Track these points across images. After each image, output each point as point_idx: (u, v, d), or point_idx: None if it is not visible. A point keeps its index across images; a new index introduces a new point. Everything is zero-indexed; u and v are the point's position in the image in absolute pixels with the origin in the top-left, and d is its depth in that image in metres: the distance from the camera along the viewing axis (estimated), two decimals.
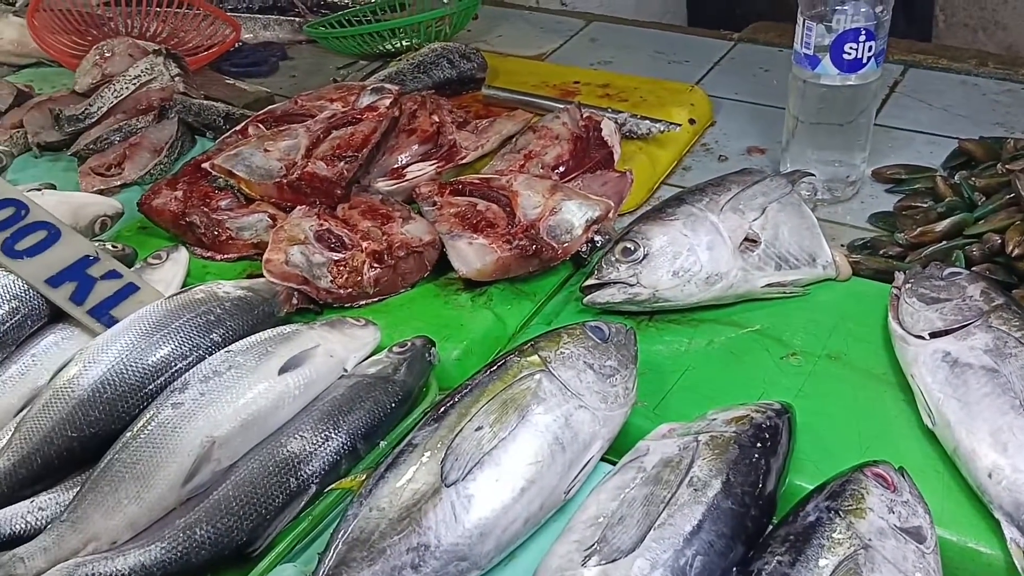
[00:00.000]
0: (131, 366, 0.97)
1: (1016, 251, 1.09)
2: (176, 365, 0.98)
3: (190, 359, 0.99)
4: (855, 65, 1.25)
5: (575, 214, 1.21)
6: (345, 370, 1.01)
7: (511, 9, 2.09)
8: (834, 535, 0.74)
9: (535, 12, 2.08)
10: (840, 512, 0.76)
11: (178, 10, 1.89)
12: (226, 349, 0.98)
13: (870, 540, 0.74)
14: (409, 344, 1.04)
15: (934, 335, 0.97)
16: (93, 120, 1.54)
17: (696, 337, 1.11)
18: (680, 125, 1.49)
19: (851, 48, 1.23)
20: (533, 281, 1.22)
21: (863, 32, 1.22)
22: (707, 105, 1.61)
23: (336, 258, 1.16)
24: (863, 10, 1.22)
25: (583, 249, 1.22)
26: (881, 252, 1.22)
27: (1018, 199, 1.14)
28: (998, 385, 0.89)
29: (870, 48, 1.23)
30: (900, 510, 0.78)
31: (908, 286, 1.04)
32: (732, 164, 1.49)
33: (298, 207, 1.25)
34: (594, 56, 1.84)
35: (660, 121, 1.47)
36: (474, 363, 1.06)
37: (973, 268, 1.11)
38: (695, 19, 2.54)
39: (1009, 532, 0.82)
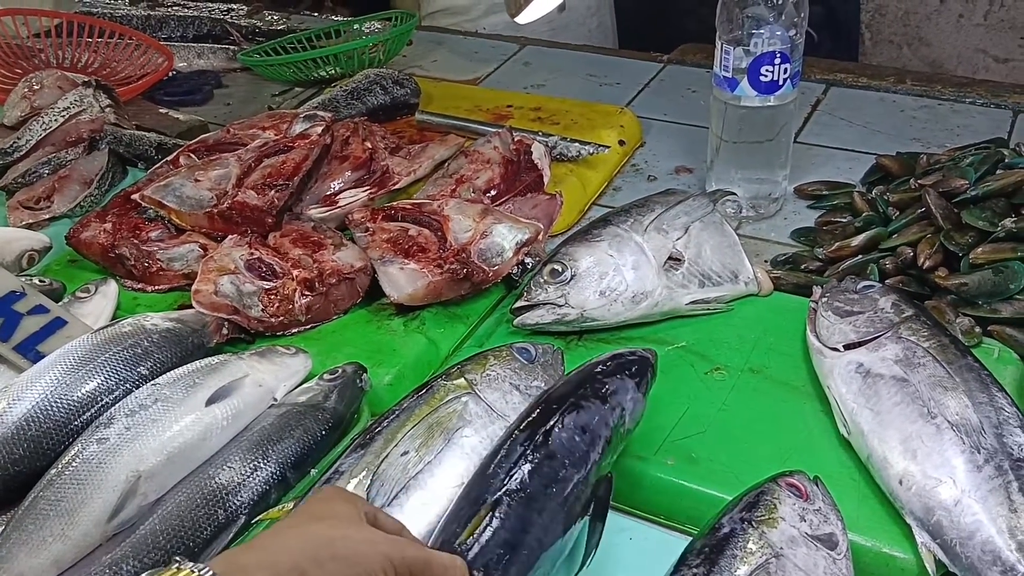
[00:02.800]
0: (56, 402, 0.96)
1: (927, 263, 1.14)
2: (102, 400, 0.98)
3: (116, 393, 0.99)
4: (772, 87, 1.29)
5: (505, 237, 1.23)
6: (275, 399, 1.01)
7: (446, 34, 2.11)
8: (747, 545, 0.76)
9: (469, 37, 2.10)
10: (753, 523, 0.78)
11: (109, 40, 1.88)
12: (153, 382, 0.98)
13: (781, 548, 0.76)
14: (340, 371, 1.05)
15: (848, 347, 1.00)
16: (21, 153, 1.52)
17: None
18: (609, 147, 1.52)
19: (767, 71, 1.27)
20: (466, 304, 1.23)
21: (778, 55, 1.26)
22: (637, 126, 1.65)
23: (267, 287, 1.17)
24: (778, 34, 1.26)
25: (514, 271, 1.24)
26: (802, 267, 1.25)
27: (929, 213, 1.18)
28: (907, 394, 0.92)
29: (785, 70, 1.28)
30: (812, 518, 0.81)
31: (824, 300, 1.07)
32: (661, 184, 1.52)
33: (229, 237, 1.26)
34: (527, 80, 1.87)
35: (589, 143, 1.50)
36: (407, 388, 1.06)
37: (887, 281, 1.15)
38: (625, 43, 2.58)
39: (920, 536, 0.85)
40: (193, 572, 0.62)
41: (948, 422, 0.88)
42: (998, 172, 1.20)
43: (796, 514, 0.80)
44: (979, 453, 0.85)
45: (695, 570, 0.75)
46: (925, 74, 1.77)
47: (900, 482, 0.87)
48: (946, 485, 0.84)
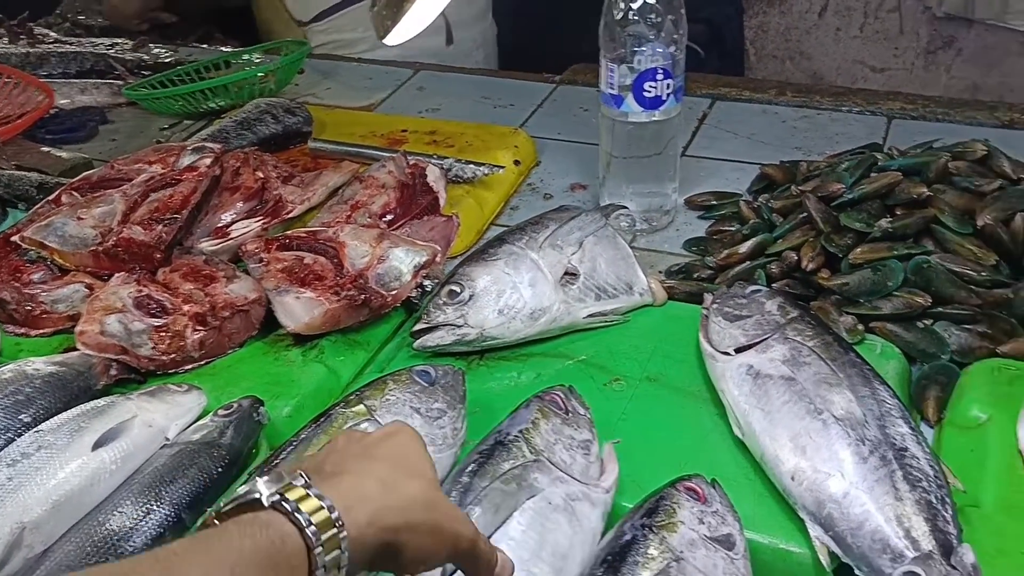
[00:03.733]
0: None
1: (810, 266, 1.18)
2: None
3: None
4: (656, 102, 1.32)
5: (402, 261, 1.23)
6: (167, 439, 0.98)
7: (339, 61, 2.10)
8: (648, 551, 0.78)
9: (363, 64, 2.10)
10: (653, 528, 0.80)
11: None
12: (36, 429, 0.94)
13: (682, 552, 0.78)
14: (235, 406, 1.02)
15: (739, 350, 1.03)
16: None
17: (525, 371, 1.14)
18: (504, 167, 1.53)
19: (651, 87, 1.30)
20: (366, 330, 1.22)
21: (660, 71, 1.30)
22: (531, 146, 1.67)
23: (157, 324, 1.14)
24: (659, 50, 1.29)
25: (413, 295, 1.23)
26: (694, 276, 1.28)
27: (810, 218, 1.23)
28: (795, 393, 0.95)
29: (668, 85, 1.31)
30: (710, 520, 0.82)
31: (715, 306, 1.10)
32: (557, 201, 1.54)
33: (116, 275, 1.22)
34: (422, 104, 1.87)
35: (484, 164, 1.52)
36: (307, 418, 1.04)
37: (774, 284, 1.19)
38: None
39: (813, 530, 0.87)
40: (310, 496, 0.60)
41: (834, 417, 0.91)
42: (872, 175, 1.25)
43: (695, 517, 0.82)
44: (864, 445, 0.88)
45: None
46: (805, 85, 1.85)
47: (792, 478, 0.90)
48: (835, 478, 0.87)
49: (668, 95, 1.32)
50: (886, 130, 1.66)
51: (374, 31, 1.56)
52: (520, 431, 0.89)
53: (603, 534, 0.85)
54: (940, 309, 1.12)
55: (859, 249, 1.16)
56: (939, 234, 1.17)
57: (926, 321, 1.13)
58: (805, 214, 1.24)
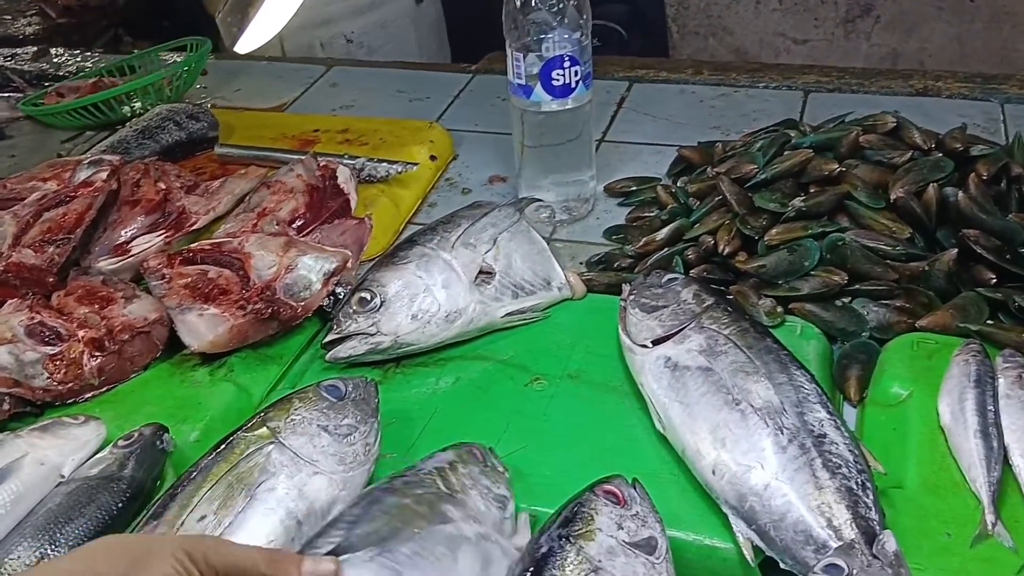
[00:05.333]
0: None
1: (727, 249, 1.16)
2: None
3: None
4: (565, 90, 1.29)
5: (312, 269, 1.18)
6: (63, 476, 0.93)
7: (248, 61, 2.03)
8: (564, 563, 0.75)
9: (274, 62, 2.04)
10: (571, 538, 0.77)
11: None
12: None
13: (600, 562, 0.75)
14: (136, 435, 0.97)
15: (656, 342, 1.00)
16: None
17: (444, 376, 1.11)
18: (418, 164, 1.49)
19: (559, 75, 1.27)
20: (277, 344, 1.17)
21: (567, 59, 1.27)
22: (447, 140, 1.63)
23: (51, 352, 1.07)
24: (565, 36, 1.26)
25: (326, 303, 1.19)
26: (615, 266, 1.26)
27: (725, 200, 1.21)
28: (713, 384, 0.93)
29: (576, 72, 1.28)
30: (629, 524, 0.80)
31: (632, 297, 1.07)
32: (476, 195, 1.50)
33: (8, 302, 1.15)
34: (335, 101, 1.82)
35: (397, 162, 1.47)
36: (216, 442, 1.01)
37: (692, 271, 1.17)
38: (458, 55, 2.56)
39: (736, 525, 0.85)
40: None
41: (752, 407, 0.89)
42: (785, 153, 1.24)
43: (613, 523, 0.79)
44: (783, 434, 0.87)
45: None
46: (721, 63, 1.84)
47: (713, 472, 0.88)
48: (755, 470, 0.85)
49: (577, 82, 1.29)
50: (803, 104, 1.66)
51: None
52: (436, 468, 0.85)
53: None
54: (858, 286, 1.11)
55: (774, 230, 1.15)
56: (853, 210, 1.16)
57: (844, 299, 1.12)
58: (720, 197, 1.22)
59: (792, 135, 1.29)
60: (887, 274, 1.11)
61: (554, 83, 1.28)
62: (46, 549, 0.85)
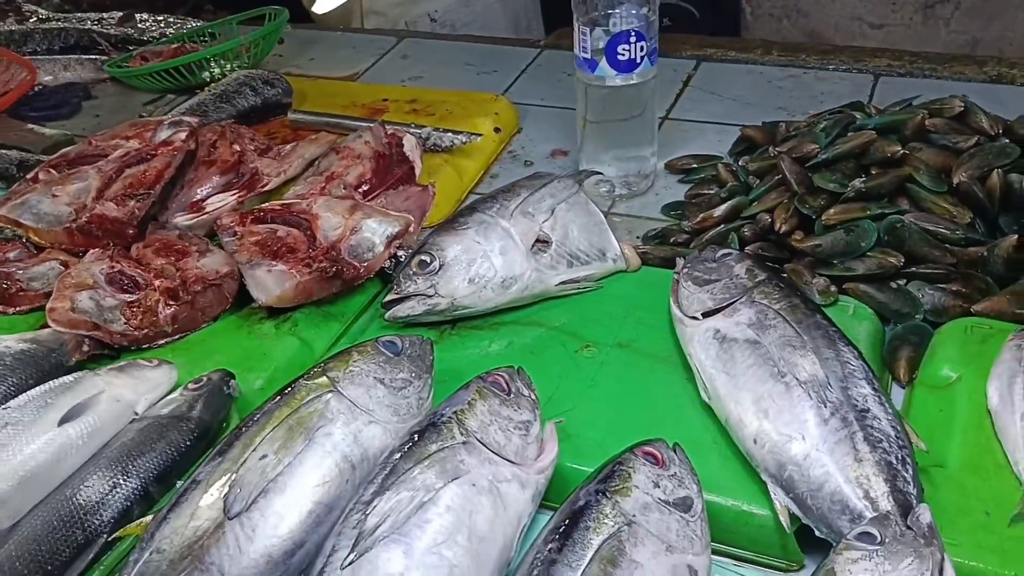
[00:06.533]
0: None
1: (783, 228, 1.17)
2: None
3: None
4: (630, 65, 1.30)
5: (375, 232, 1.23)
6: (136, 413, 0.99)
7: (322, 31, 2.08)
8: (600, 516, 0.77)
9: (347, 33, 2.08)
10: (607, 493, 0.80)
11: None
12: (3, 406, 0.95)
13: (634, 516, 0.78)
14: (205, 379, 1.03)
15: (706, 314, 1.02)
16: None
17: (497, 340, 1.14)
18: (482, 135, 1.52)
19: (624, 50, 1.29)
20: (340, 302, 1.22)
21: (633, 34, 1.28)
22: (512, 113, 1.65)
23: (129, 299, 1.14)
24: (632, 12, 1.27)
25: (387, 266, 1.23)
26: (671, 240, 1.27)
27: (784, 179, 1.21)
28: (759, 356, 0.94)
29: (642, 48, 1.29)
30: (666, 484, 0.82)
31: (685, 271, 1.09)
32: (538, 168, 1.53)
33: (91, 251, 1.22)
34: (405, 73, 1.86)
35: (462, 132, 1.51)
36: None
37: (747, 248, 1.18)
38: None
39: (774, 493, 0.87)
40: None
41: (797, 380, 0.90)
42: (848, 135, 1.24)
43: (650, 481, 0.82)
44: (825, 407, 0.88)
45: (550, 546, 0.76)
46: (792, 44, 1.82)
47: (754, 441, 0.89)
48: (796, 441, 0.87)
49: (642, 58, 1.30)
50: (872, 88, 1.64)
51: None
52: (454, 412, 0.88)
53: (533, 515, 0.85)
54: (914, 269, 1.11)
55: (832, 210, 1.15)
56: (914, 193, 1.16)
57: (900, 281, 1.12)
58: (780, 176, 1.22)
59: (857, 116, 1.29)
60: (945, 258, 1.11)
61: (619, 58, 1.29)
62: (119, 479, 0.92)
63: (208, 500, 0.82)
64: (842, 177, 1.18)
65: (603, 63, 1.31)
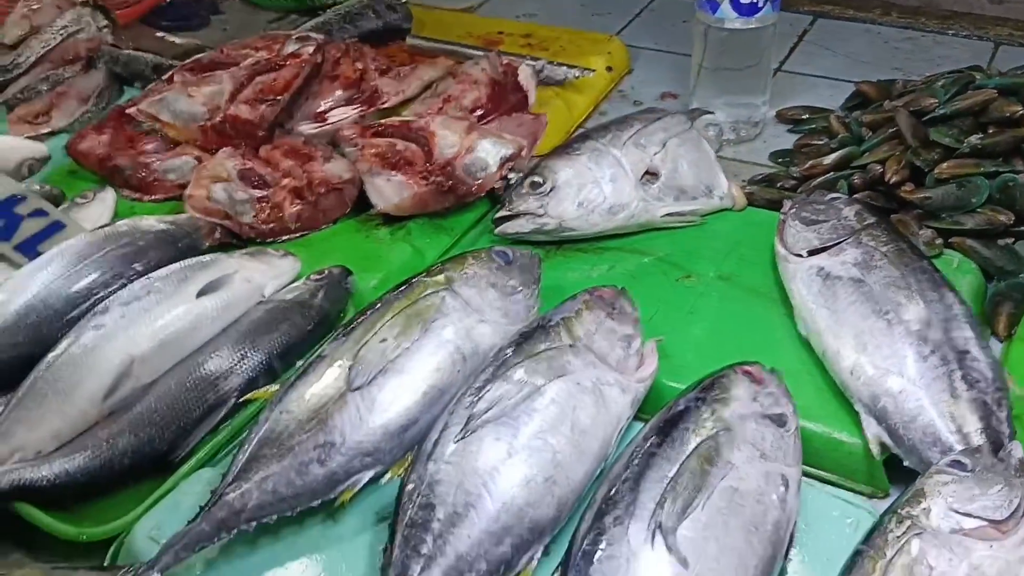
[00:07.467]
0: (55, 293, 1.02)
1: (894, 178, 1.17)
2: (99, 293, 1.03)
3: (113, 287, 1.04)
4: (752, 8, 1.31)
5: (490, 152, 1.27)
6: (263, 296, 1.06)
7: None
8: (699, 419, 0.82)
9: None
10: (706, 401, 0.84)
11: None
12: (146, 276, 1.03)
13: (731, 423, 0.81)
14: (326, 272, 1.10)
15: (812, 253, 1.04)
16: (21, 70, 1.56)
17: (600, 264, 1.18)
18: (594, 71, 1.55)
19: None
20: (451, 216, 1.27)
21: None
22: (624, 53, 1.68)
23: (258, 195, 1.21)
24: None
25: (498, 186, 1.28)
26: (777, 185, 1.29)
27: (899, 132, 1.22)
28: (863, 294, 0.97)
29: None
30: (763, 400, 0.86)
31: (792, 211, 1.11)
32: None
33: (222, 149, 1.30)
34: (520, 9, 1.89)
35: (576, 67, 1.54)
36: None
37: (856, 196, 1.19)
38: None
39: (866, 422, 0.90)
40: None
41: (899, 318, 0.93)
42: (968, 92, 1.23)
43: (749, 395, 0.85)
44: (925, 344, 0.90)
45: (651, 440, 0.81)
46: (911, 7, 1.79)
47: (851, 373, 0.92)
48: (893, 375, 0.89)
49: (765, 2, 1.31)
50: (992, 56, 1.62)
51: None
52: (563, 318, 0.93)
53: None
54: (1023, 228, 1.11)
55: (945, 164, 1.16)
56: None
57: (1007, 239, 1.12)
58: (894, 128, 1.23)
59: (976, 76, 1.28)
60: None
61: (742, 0, 1.30)
62: (247, 351, 0.99)
63: (333, 373, 0.89)
64: (958, 133, 1.18)
65: (725, 4, 1.32)
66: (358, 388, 0.88)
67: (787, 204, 1.14)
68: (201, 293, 1.01)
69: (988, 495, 0.75)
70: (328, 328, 1.07)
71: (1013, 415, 0.88)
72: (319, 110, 1.42)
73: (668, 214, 1.21)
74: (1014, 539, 0.73)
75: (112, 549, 0.87)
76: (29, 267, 1.05)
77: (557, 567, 0.76)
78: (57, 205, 1.22)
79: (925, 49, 1.65)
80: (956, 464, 0.78)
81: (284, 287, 1.09)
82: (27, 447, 0.90)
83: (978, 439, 0.84)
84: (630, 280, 1.14)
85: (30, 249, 1.13)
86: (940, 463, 0.80)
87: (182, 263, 1.05)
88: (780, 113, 1.48)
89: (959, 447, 0.84)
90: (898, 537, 0.74)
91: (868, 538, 0.76)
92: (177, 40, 1.75)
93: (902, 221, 1.14)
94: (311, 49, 1.46)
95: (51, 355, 0.95)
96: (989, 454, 0.80)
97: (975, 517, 0.74)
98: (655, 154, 1.22)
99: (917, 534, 0.74)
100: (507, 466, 0.80)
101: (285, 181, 1.22)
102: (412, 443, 0.88)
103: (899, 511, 0.76)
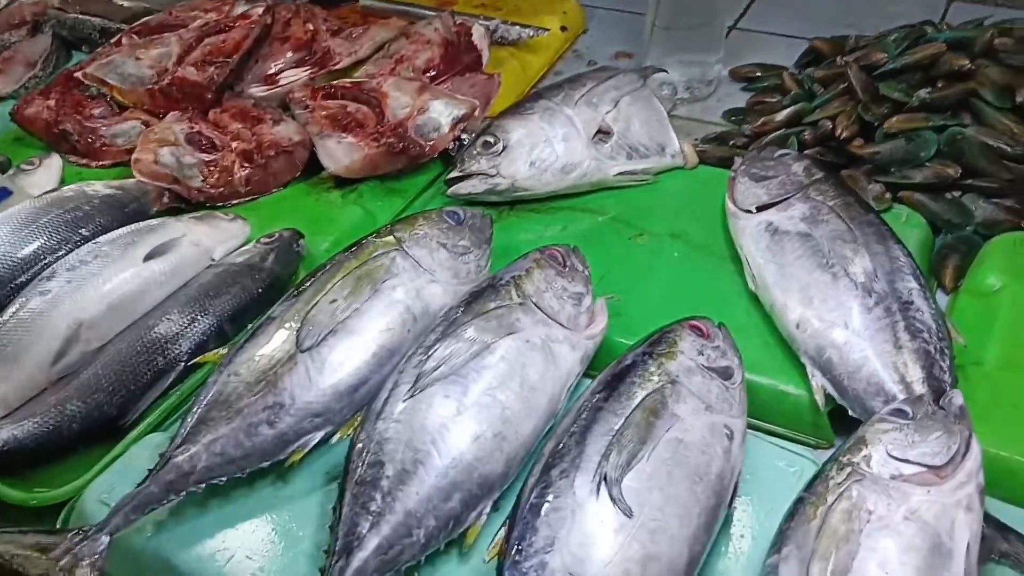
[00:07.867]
0: (0, 260, 1.00)
1: (844, 134, 1.18)
2: (45, 259, 1.02)
3: (59, 253, 1.03)
4: None
5: (442, 113, 1.27)
6: (213, 259, 1.05)
7: None
8: (646, 373, 0.82)
9: None
10: (653, 355, 0.84)
11: None
12: (93, 240, 1.02)
13: (677, 376, 0.82)
14: (277, 235, 1.09)
15: (760, 208, 1.05)
16: None
17: (553, 224, 1.18)
18: (548, 30, 1.54)
19: None
20: (404, 179, 1.27)
21: None
22: (579, 13, 1.67)
23: (207, 159, 1.20)
24: None
25: (451, 147, 1.27)
26: (729, 143, 1.30)
27: (850, 87, 1.22)
28: (810, 248, 0.98)
29: None
30: (710, 353, 0.87)
31: (742, 167, 1.12)
32: None
33: (171, 113, 1.28)
34: None
35: (529, 27, 1.53)
36: None
37: (806, 152, 1.20)
38: None
39: (812, 373, 0.91)
40: None
41: (845, 271, 0.94)
42: (918, 46, 1.24)
43: (695, 349, 0.86)
44: (870, 297, 0.91)
45: (598, 395, 0.81)
46: None
47: (797, 326, 0.93)
48: (838, 327, 0.91)
49: None
50: (944, 12, 1.62)
51: None
52: (513, 277, 0.93)
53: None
54: (970, 181, 1.13)
55: (895, 118, 1.16)
56: (977, 108, 1.17)
57: (955, 192, 1.13)
58: (845, 84, 1.23)
59: (927, 31, 1.29)
60: (1001, 173, 1.12)
61: None
62: (196, 315, 0.99)
63: (282, 335, 0.89)
64: (907, 87, 1.19)
65: None
66: (308, 349, 0.87)
67: (737, 161, 1.14)
68: (148, 257, 1.00)
69: (927, 442, 0.76)
70: (279, 291, 1.05)
71: (956, 365, 0.89)
72: (269, 72, 1.41)
73: (620, 173, 1.21)
74: (951, 484, 0.75)
75: (63, 513, 0.87)
76: None
77: (504, 520, 0.77)
78: (3, 172, 1.20)
79: (879, 5, 1.65)
80: (897, 412, 0.80)
81: (234, 251, 1.08)
82: None
83: (920, 388, 0.85)
84: (583, 240, 1.14)
85: None
86: (882, 412, 0.81)
87: (129, 227, 1.04)
88: (734, 71, 1.48)
89: (902, 396, 0.85)
90: (839, 484, 0.75)
91: (810, 485, 0.77)
92: (125, 3, 1.70)
93: (852, 176, 1.15)
94: (260, 10, 1.44)
95: None
96: (930, 403, 0.82)
97: (914, 463, 0.76)
98: (607, 113, 1.22)
99: (857, 480, 0.75)
100: (456, 423, 0.81)
101: (234, 144, 1.21)
102: (362, 403, 0.88)
103: (840, 459, 0.77)
